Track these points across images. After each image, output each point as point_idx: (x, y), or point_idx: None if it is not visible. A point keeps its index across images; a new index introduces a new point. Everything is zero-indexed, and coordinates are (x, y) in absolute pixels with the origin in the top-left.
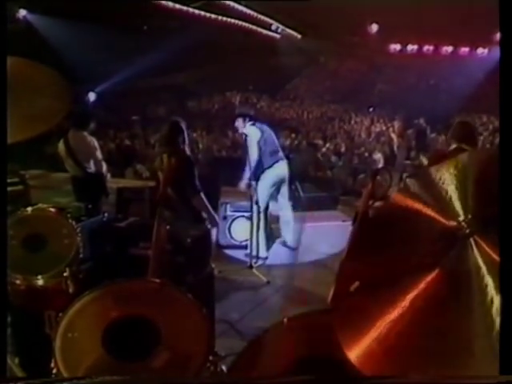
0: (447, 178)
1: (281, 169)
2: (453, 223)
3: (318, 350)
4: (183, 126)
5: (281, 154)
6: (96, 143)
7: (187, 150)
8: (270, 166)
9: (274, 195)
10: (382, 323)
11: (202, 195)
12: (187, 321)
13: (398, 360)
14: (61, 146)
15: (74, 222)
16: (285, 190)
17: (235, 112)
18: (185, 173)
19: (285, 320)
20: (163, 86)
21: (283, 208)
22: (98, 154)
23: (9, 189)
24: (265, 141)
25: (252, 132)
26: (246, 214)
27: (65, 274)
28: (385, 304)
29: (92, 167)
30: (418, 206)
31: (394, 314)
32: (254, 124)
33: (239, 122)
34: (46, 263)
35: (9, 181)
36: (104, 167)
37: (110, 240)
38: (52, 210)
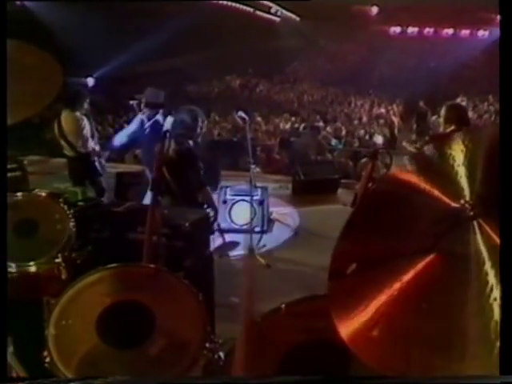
0: (452, 157)
1: None
2: (456, 204)
3: (316, 336)
4: (202, 117)
5: None
6: (86, 123)
7: (191, 143)
8: None
9: None
10: (378, 306)
11: (208, 189)
12: (182, 307)
13: (395, 343)
14: (55, 127)
15: (66, 207)
16: None
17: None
18: (192, 165)
19: (282, 306)
20: (162, 71)
21: None
22: (86, 134)
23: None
24: None
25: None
26: (246, 198)
27: (57, 260)
28: (382, 286)
29: (83, 147)
30: (419, 185)
31: (390, 296)
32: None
33: None
34: (37, 249)
35: (8, 167)
36: (91, 147)
37: (107, 225)
38: (43, 194)
